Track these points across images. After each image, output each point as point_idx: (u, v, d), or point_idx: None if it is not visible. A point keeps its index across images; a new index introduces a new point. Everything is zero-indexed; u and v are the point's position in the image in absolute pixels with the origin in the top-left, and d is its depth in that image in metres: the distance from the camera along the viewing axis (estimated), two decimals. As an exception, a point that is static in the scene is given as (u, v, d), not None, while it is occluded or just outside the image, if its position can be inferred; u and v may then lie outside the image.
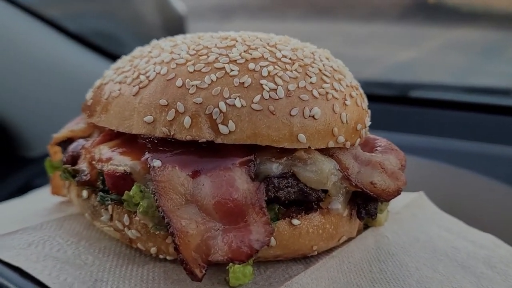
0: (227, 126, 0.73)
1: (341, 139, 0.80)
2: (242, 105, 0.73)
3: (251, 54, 0.79)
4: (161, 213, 0.68)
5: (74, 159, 0.89)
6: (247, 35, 0.87)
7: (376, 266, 0.82)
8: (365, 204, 0.85)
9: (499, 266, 0.83)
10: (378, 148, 0.93)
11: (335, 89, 0.81)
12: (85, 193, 0.83)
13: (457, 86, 2.18)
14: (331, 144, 0.79)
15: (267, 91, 0.75)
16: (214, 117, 0.73)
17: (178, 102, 0.74)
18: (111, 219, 0.80)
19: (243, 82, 0.75)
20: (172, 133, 0.74)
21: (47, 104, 1.60)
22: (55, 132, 0.95)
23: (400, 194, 0.85)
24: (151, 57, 0.83)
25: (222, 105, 0.73)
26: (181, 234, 0.66)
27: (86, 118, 0.87)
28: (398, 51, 3.89)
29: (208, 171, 0.72)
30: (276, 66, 0.78)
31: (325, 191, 0.80)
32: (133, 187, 0.74)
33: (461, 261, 0.84)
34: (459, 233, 0.94)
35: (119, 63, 0.89)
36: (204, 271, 0.67)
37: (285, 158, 0.78)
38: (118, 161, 0.77)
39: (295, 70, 0.79)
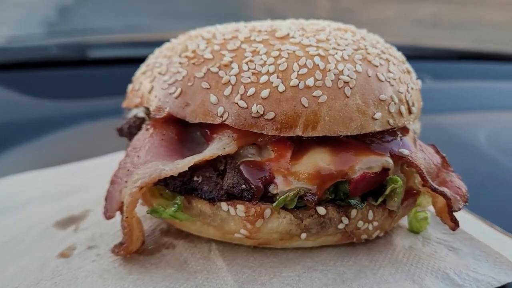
0: (415, 106, 0.87)
1: None
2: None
3: (360, 42, 0.88)
4: (434, 189, 0.80)
5: (265, 186, 0.76)
6: (313, 23, 0.95)
7: None
8: None
9: None
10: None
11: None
12: (322, 210, 0.76)
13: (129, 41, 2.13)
14: None
15: None
16: (409, 102, 0.86)
17: (393, 95, 0.82)
18: (348, 223, 0.80)
19: (391, 70, 0.87)
20: (393, 123, 0.81)
21: None
22: None
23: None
24: (318, 55, 0.80)
25: (409, 90, 0.87)
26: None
27: (274, 133, 0.75)
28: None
29: (421, 146, 0.87)
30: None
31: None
32: (398, 179, 0.79)
33: None
34: None
35: (263, 66, 0.78)
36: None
37: None
38: (365, 163, 0.78)
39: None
